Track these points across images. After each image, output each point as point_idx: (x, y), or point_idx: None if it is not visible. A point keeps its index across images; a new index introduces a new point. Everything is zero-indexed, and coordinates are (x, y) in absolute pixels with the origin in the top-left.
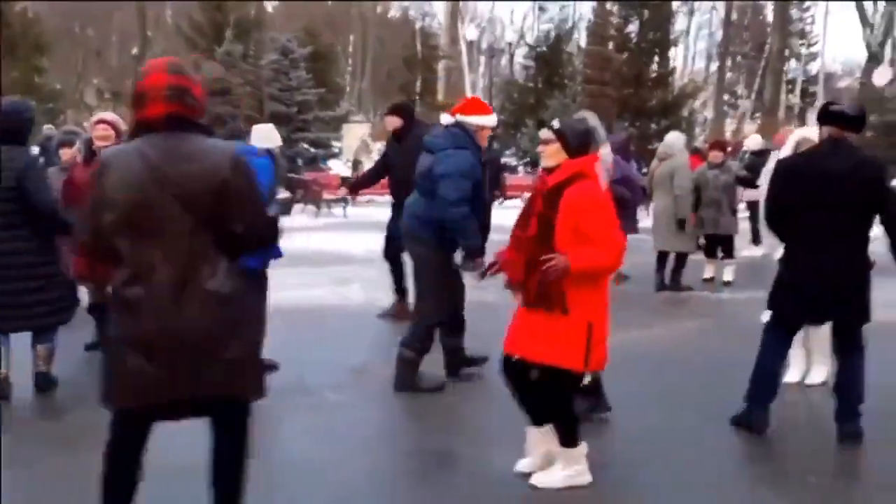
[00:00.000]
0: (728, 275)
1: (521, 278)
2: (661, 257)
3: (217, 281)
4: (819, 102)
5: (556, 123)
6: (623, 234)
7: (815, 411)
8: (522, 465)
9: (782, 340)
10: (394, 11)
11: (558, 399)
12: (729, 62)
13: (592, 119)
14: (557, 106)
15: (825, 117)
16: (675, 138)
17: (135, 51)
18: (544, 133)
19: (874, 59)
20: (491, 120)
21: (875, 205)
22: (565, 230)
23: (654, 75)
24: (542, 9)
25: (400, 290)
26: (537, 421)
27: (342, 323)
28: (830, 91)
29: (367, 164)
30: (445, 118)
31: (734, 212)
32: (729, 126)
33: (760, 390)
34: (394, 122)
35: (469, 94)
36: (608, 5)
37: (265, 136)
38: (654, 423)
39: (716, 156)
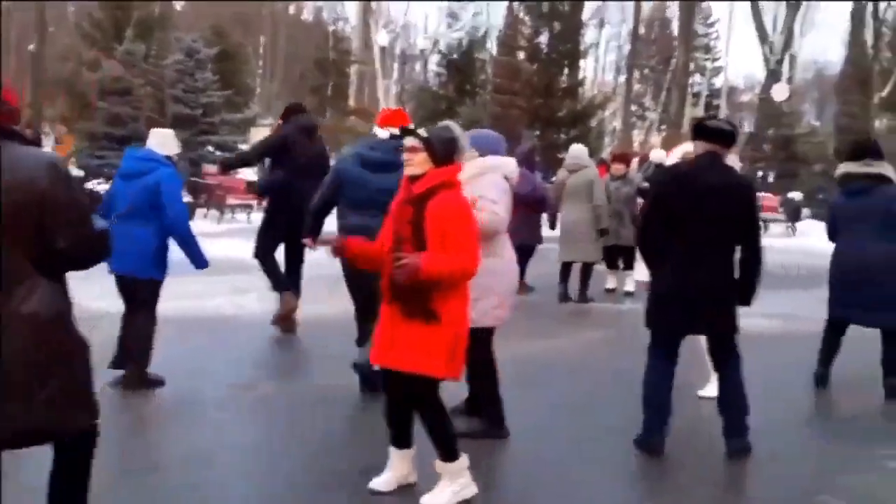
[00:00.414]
0: (629, 285)
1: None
2: (566, 268)
3: (34, 303)
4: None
5: (423, 132)
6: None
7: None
8: (376, 483)
9: (665, 358)
10: (307, 13)
11: (429, 411)
12: (637, 75)
13: (457, 128)
14: (467, 113)
15: (701, 133)
16: (581, 150)
17: (31, 47)
18: (409, 141)
19: (773, 75)
20: None
21: (744, 221)
22: (435, 239)
23: (563, 86)
24: (454, 16)
25: (280, 285)
26: (399, 440)
27: (235, 335)
28: (733, 105)
29: None
30: (381, 132)
31: (635, 223)
32: (637, 137)
33: (651, 413)
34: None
35: (382, 99)
36: (519, 15)
37: (162, 142)
38: (559, 434)
39: (618, 168)
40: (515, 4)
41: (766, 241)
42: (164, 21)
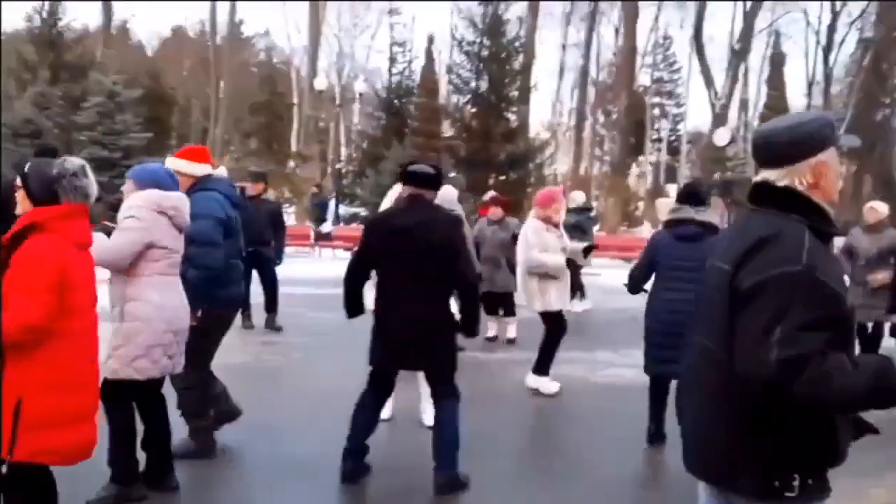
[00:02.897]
0: (511, 332)
1: None
2: None
3: None
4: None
5: (26, 167)
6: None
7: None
8: None
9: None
10: (254, 55)
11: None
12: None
13: (70, 164)
14: (395, 156)
15: (407, 178)
16: (448, 191)
17: None
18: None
19: (718, 120)
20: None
21: (451, 256)
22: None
23: (503, 130)
24: (392, 59)
25: None
26: None
27: None
28: (700, 151)
29: None
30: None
31: (512, 268)
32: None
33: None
34: None
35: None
36: (458, 58)
37: None
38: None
39: (494, 212)
40: (454, 47)
41: None
42: (93, 63)
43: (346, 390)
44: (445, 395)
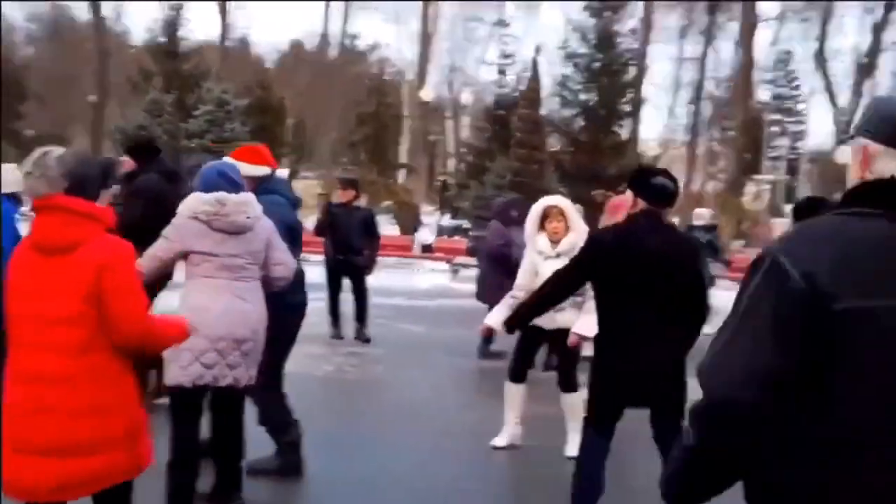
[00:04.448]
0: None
1: None
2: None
3: None
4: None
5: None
6: None
7: None
8: None
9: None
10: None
11: None
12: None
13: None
14: (497, 168)
15: (644, 190)
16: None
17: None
18: None
19: (843, 137)
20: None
21: (694, 283)
22: None
23: (611, 143)
24: (502, 71)
25: None
26: None
27: None
28: (823, 170)
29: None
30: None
31: None
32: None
33: None
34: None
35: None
36: (569, 71)
37: (8, 179)
38: None
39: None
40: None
41: None
42: (208, 74)
43: (426, 405)
44: (674, 429)
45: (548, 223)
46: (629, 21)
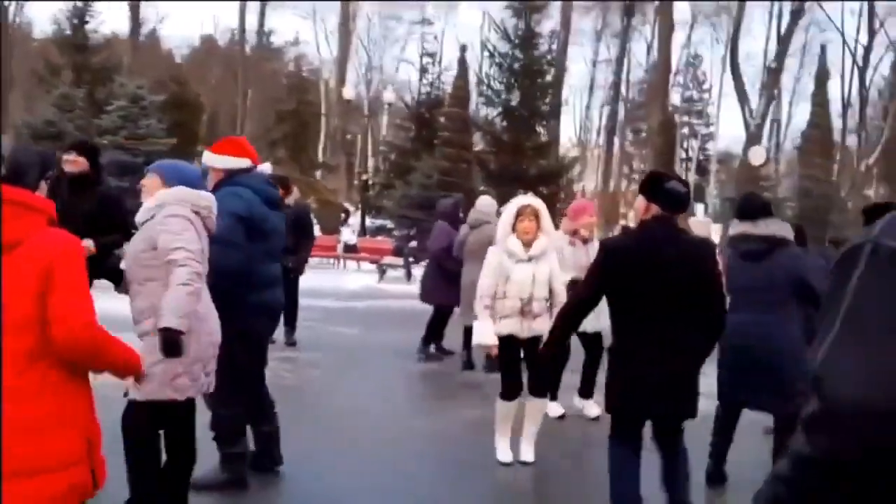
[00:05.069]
0: None
1: None
2: (468, 333)
3: None
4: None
5: None
6: None
7: None
8: None
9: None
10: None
11: None
12: (631, 136)
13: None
14: (423, 167)
15: (659, 195)
16: (486, 203)
17: None
18: None
19: (752, 139)
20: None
21: (710, 288)
22: None
23: (534, 144)
24: (424, 70)
25: None
26: None
27: None
28: (728, 171)
29: None
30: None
31: None
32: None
33: None
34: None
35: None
36: (492, 71)
37: None
38: None
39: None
40: (484, 59)
41: None
42: (119, 68)
43: (369, 410)
44: (680, 434)
45: (519, 222)
46: (548, 22)
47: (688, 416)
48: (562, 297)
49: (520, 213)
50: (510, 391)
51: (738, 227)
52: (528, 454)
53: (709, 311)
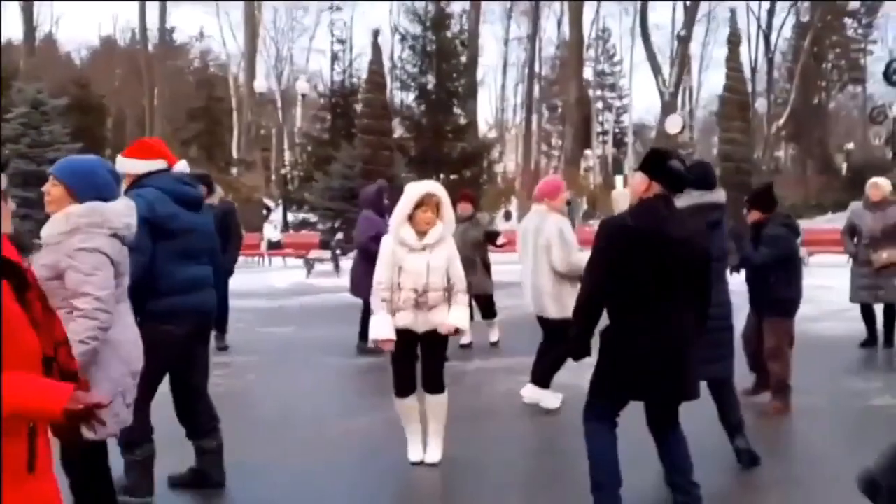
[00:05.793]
0: (494, 335)
1: None
2: None
3: None
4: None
5: None
6: None
7: None
8: None
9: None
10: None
11: None
12: (547, 114)
13: None
14: (344, 157)
15: (661, 174)
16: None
17: None
18: None
19: (668, 108)
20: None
21: (706, 269)
22: None
23: (453, 127)
24: (334, 57)
25: None
26: None
27: None
28: (644, 142)
29: None
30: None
31: (487, 268)
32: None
33: None
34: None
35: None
36: (405, 54)
37: None
38: None
39: (464, 208)
40: (395, 43)
41: None
42: (16, 74)
43: (308, 413)
44: (672, 419)
45: (421, 212)
46: (458, 3)
47: (691, 397)
48: (462, 284)
49: (422, 203)
50: (402, 388)
51: (707, 197)
52: (433, 455)
53: (700, 288)
